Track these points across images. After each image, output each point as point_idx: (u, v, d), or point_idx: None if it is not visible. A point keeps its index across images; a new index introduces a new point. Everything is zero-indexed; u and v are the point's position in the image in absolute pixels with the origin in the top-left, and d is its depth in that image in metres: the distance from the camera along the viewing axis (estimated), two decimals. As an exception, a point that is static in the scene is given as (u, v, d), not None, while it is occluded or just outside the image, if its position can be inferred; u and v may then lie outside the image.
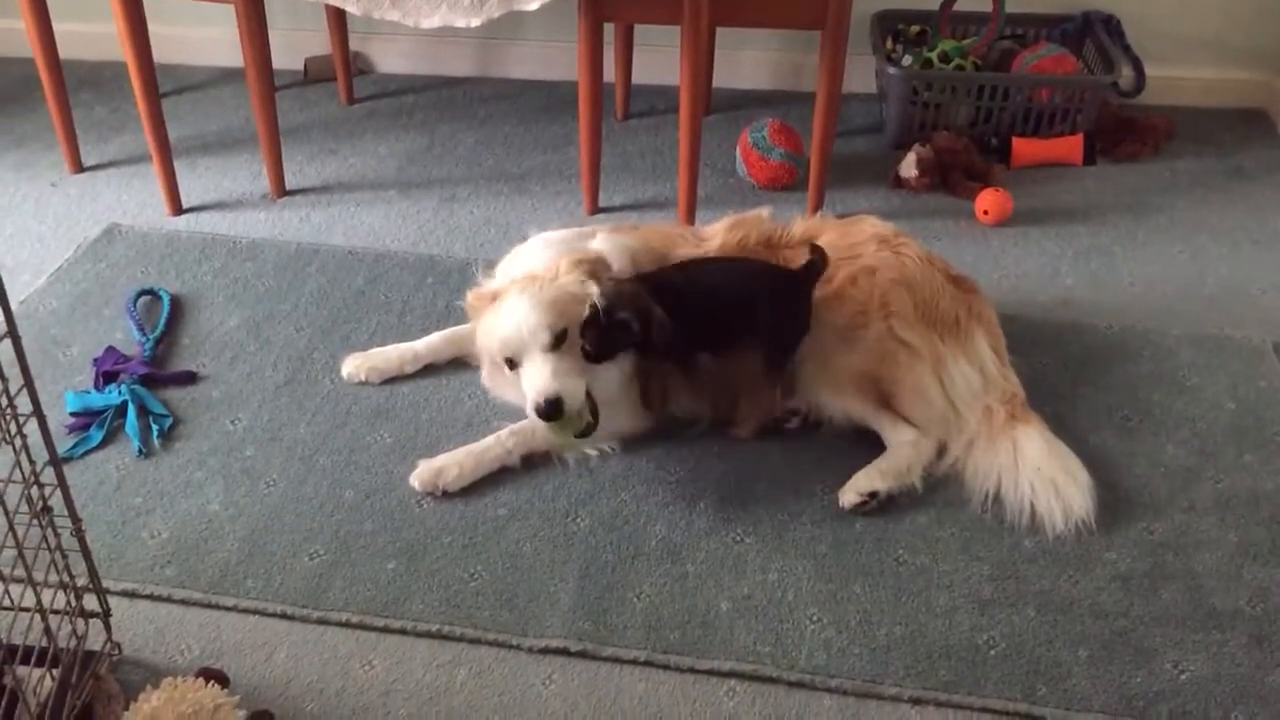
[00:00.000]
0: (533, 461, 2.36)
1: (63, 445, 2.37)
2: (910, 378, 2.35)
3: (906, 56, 3.59)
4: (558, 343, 2.20)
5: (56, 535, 1.76)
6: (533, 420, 2.24)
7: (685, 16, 2.81)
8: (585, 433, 2.24)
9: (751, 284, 2.34)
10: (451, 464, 2.31)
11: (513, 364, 2.25)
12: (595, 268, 2.30)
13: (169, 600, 2.09)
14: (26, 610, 1.67)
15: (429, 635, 2.03)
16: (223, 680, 1.83)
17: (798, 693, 1.94)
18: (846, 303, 2.39)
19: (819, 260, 2.34)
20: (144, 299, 2.83)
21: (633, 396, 2.39)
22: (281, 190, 3.34)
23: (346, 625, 2.04)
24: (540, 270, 2.30)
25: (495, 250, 2.97)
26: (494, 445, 2.34)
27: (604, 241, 2.40)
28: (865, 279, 2.40)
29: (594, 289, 2.23)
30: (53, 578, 1.77)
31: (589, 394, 2.23)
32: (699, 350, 2.35)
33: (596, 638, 2.01)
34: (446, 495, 2.28)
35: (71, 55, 3.45)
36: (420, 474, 2.30)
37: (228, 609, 2.07)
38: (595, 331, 2.20)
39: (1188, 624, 2.05)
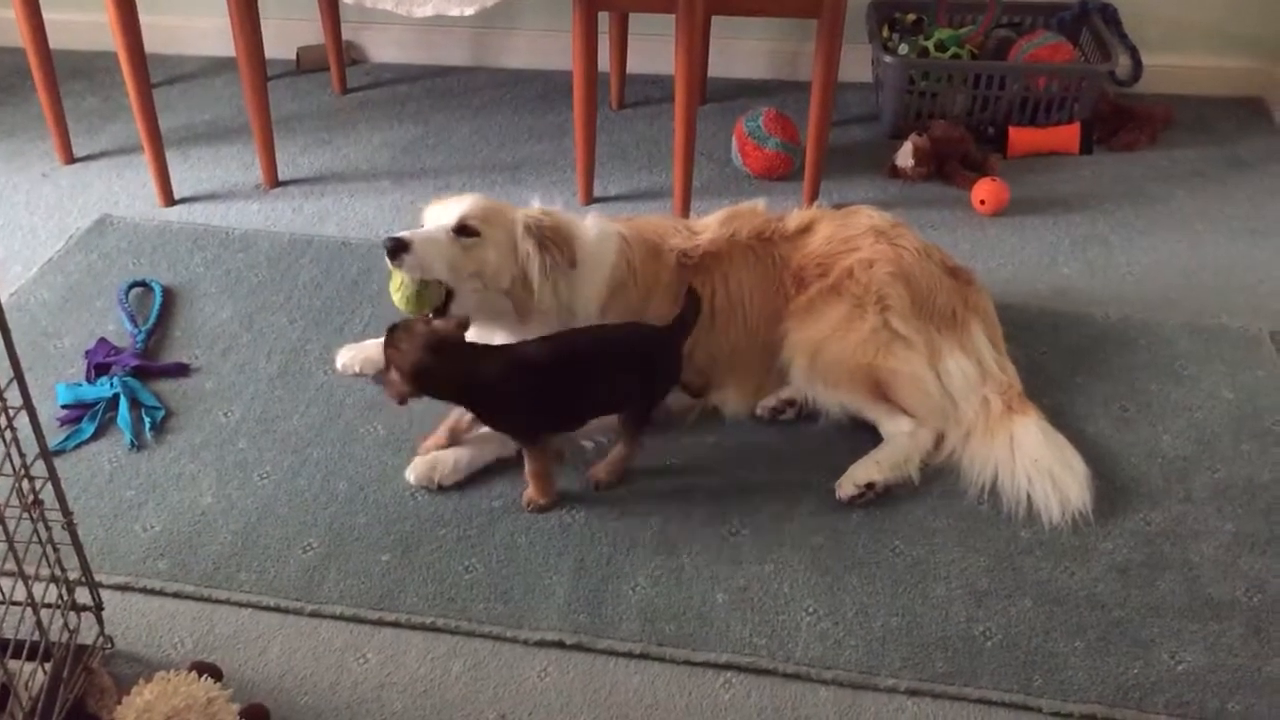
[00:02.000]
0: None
1: (54, 438, 2.35)
2: (907, 369, 2.34)
3: (903, 45, 3.57)
4: (463, 232, 2.23)
5: (48, 528, 1.75)
6: None
7: (680, 5, 2.80)
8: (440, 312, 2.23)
9: (620, 351, 2.22)
10: (447, 458, 2.29)
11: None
12: (552, 235, 2.29)
13: (162, 594, 2.08)
14: (18, 604, 1.66)
15: (423, 628, 2.02)
16: (216, 674, 1.82)
17: (794, 684, 1.93)
18: (843, 295, 2.38)
19: (691, 312, 2.24)
20: (136, 290, 2.82)
21: None
22: (274, 181, 3.32)
23: (340, 618, 2.03)
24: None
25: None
26: (489, 437, 2.33)
27: (594, 224, 2.39)
28: (862, 272, 2.38)
29: (530, 249, 2.26)
30: (44, 571, 1.76)
31: (446, 300, 2.24)
32: (555, 424, 2.24)
33: (592, 630, 2.01)
34: (442, 489, 2.27)
35: (62, 45, 3.43)
36: (416, 468, 2.29)
37: (221, 602, 2.06)
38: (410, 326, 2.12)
39: (1184, 614, 2.04)
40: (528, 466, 2.23)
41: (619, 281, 2.36)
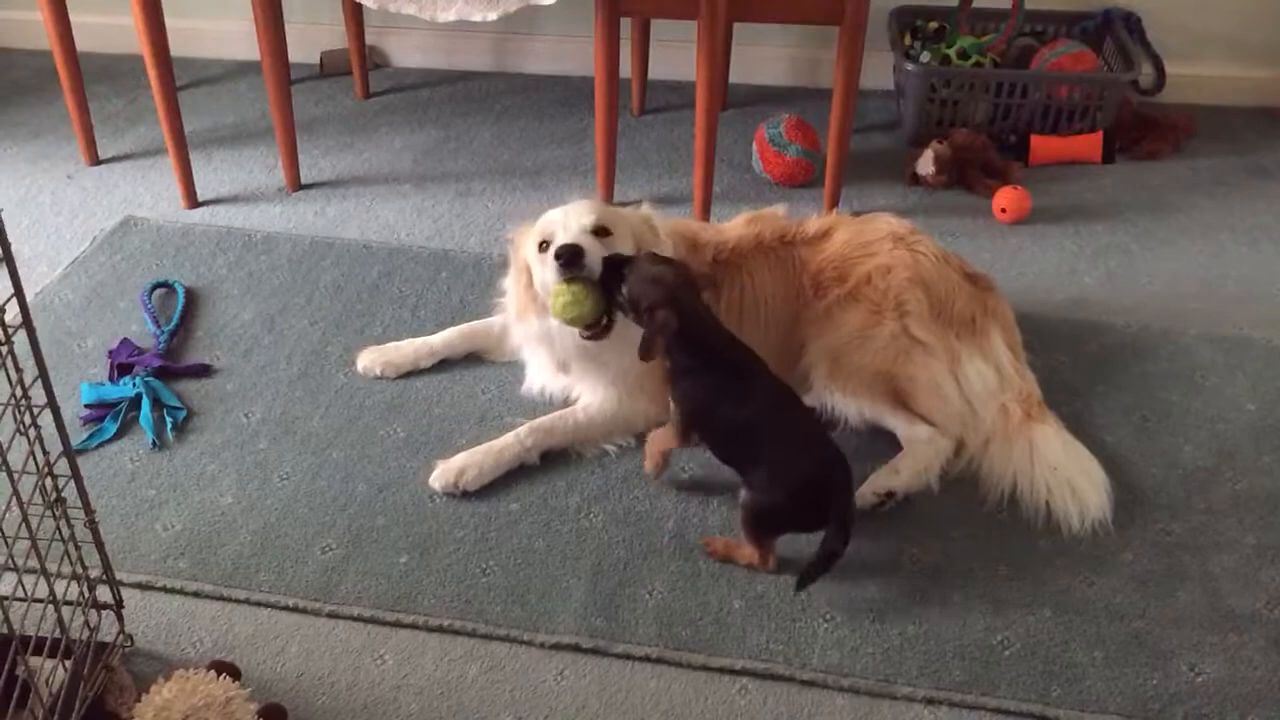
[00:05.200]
0: (549, 457, 2.36)
1: (77, 437, 2.37)
2: (926, 376, 2.33)
3: (924, 53, 3.57)
4: (600, 233, 2.21)
5: (70, 526, 1.76)
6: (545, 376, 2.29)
7: (702, 11, 2.80)
8: (595, 331, 2.20)
9: (803, 445, 2.09)
10: (471, 464, 2.30)
11: (545, 245, 2.23)
12: (650, 233, 2.32)
13: (181, 593, 2.09)
14: (40, 601, 1.67)
15: (440, 630, 2.02)
16: (234, 673, 1.83)
17: (810, 691, 1.93)
18: (861, 301, 2.38)
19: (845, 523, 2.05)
20: (159, 291, 2.84)
21: (654, 382, 2.39)
22: (296, 184, 3.34)
23: (358, 619, 2.04)
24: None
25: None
26: (513, 443, 2.33)
27: (649, 211, 2.41)
28: (880, 278, 2.38)
29: (663, 240, 2.26)
30: (66, 569, 1.77)
31: (609, 304, 2.18)
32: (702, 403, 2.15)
33: (608, 634, 2.01)
34: (466, 495, 2.28)
35: (88, 48, 3.45)
36: (441, 475, 2.29)
37: (240, 602, 2.07)
38: (610, 269, 2.13)
39: (1204, 626, 2.03)
40: (655, 438, 2.25)
41: None
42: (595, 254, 2.17)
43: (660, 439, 2.25)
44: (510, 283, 2.46)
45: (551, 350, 2.39)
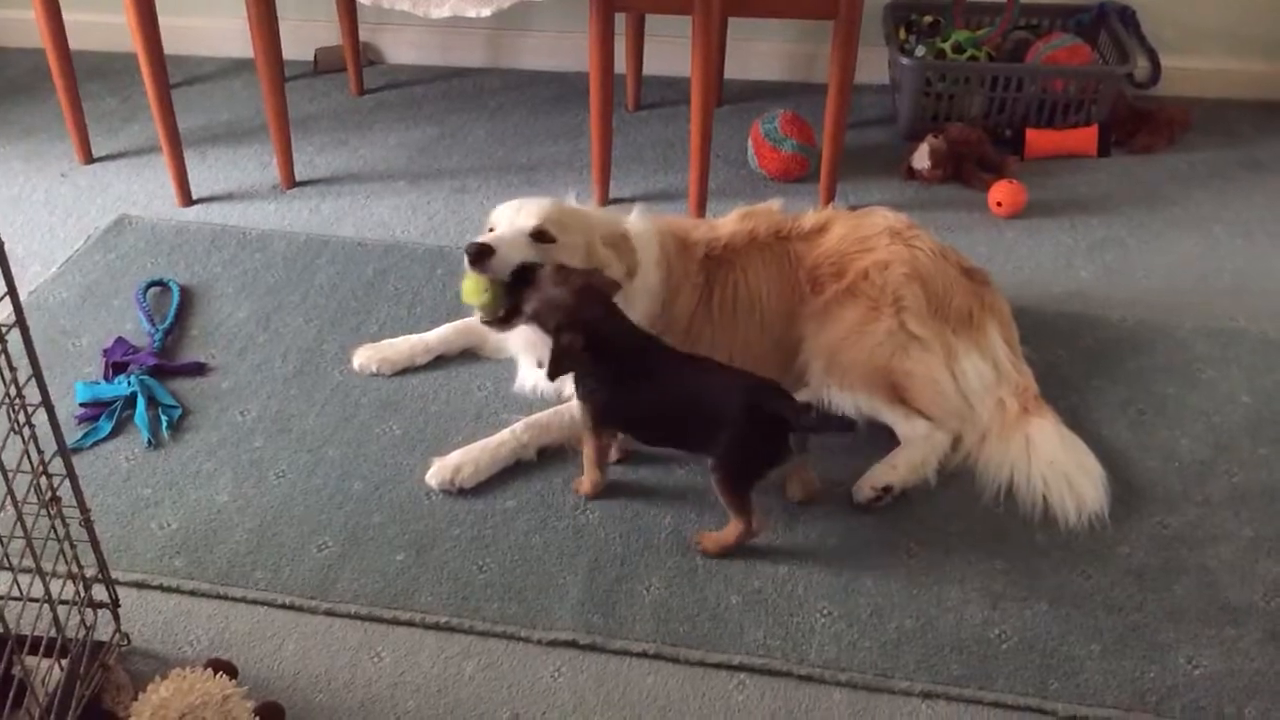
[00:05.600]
0: (545, 454, 2.35)
1: (72, 436, 2.37)
2: (923, 371, 2.33)
3: (919, 47, 3.57)
4: (540, 238, 2.20)
5: (65, 525, 1.76)
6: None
7: (696, 6, 2.80)
8: (494, 322, 2.21)
9: (711, 396, 2.10)
10: (467, 461, 2.29)
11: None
12: (624, 245, 2.30)
13: (178, 591, 2.08)
14: (35, 600, 1.67)
15: (437, 627, 2.02)
16: (231, 671, 1.82)
17: (808, 686, 1.93)
18: (858, 297, 2.37)
19: (829, 425, 2.20)
20: (153, 290, 2.83)
21: None
22: (291, 181, 3.33)
23: (355, 617, 2.04)
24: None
25: (505, 241, 2.97)
26: (509, 440, 2.33)
27: (639, 219, 2.40)
28: (877, 273, 2.38)
29: (636, 257, 2.27)
30: (61, 568, 1.77)
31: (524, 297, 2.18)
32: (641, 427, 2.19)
33: (605, 630, 2.01)
34: (463, 492, 2.27)
35: (81, 46, 3.45)
36: (437, 472, 2.28)
37: (236, 600, 2.07)
38: (517, 280, 2.14)
39: (1201, 619, 2.03)
40: (584, 450, 2.25)
41: (662, 276, 2.37)
42: (510, 257, 2.16)
43: (586, 446, 2.24)
44: None
45: (530, 348, 2.38)
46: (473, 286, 2.19)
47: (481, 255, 2.15)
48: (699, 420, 2.07)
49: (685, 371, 2.13)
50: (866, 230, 2.46)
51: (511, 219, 2.25)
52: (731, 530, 2.12)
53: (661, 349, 2.15)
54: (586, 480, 2.26)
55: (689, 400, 2.09)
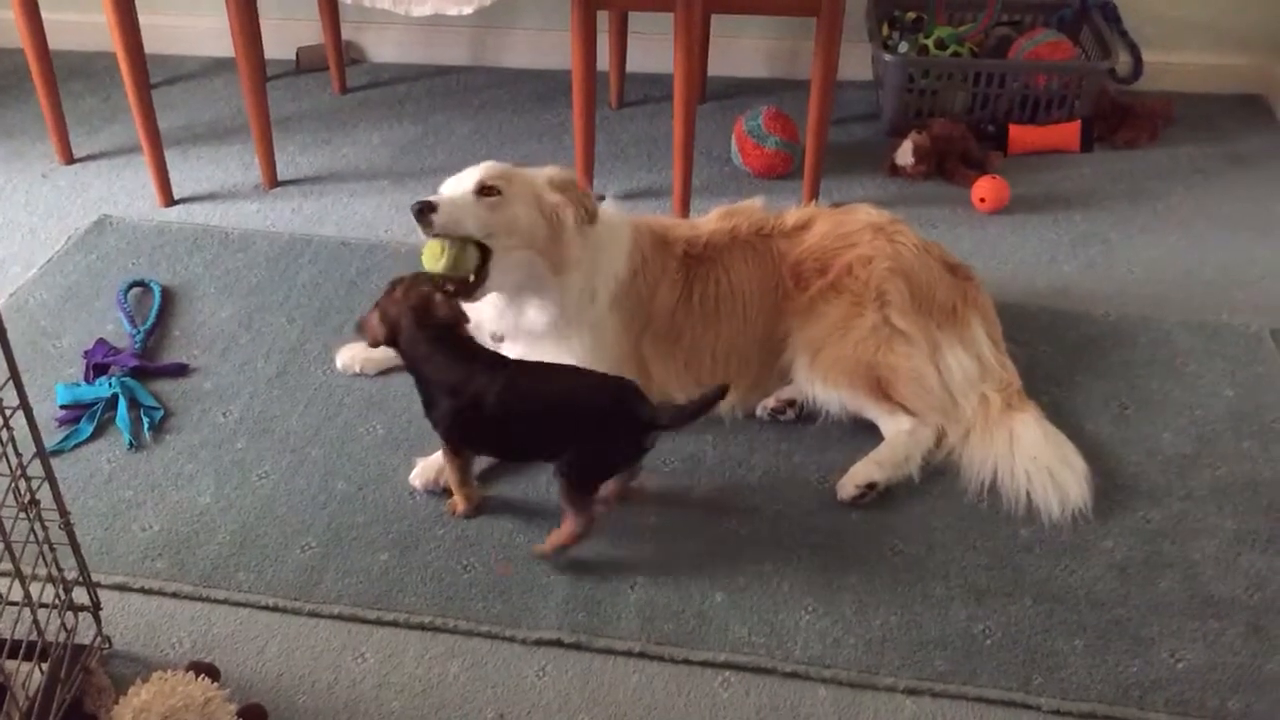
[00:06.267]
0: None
1: (53, 438, 2.35)
2: (907, 365, 2.34)
3: (903, 43, 3.57)
4: (484, 192, 2.20)
5: (44, 529, 1.75)
6: None
7: (679, 3, 2.79)
8: (458, 287, 2.18)
9: (577, 409, 2.08)
10: None
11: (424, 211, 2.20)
12: (573, 187, 2.29)
13: (160, 593, 2.07)
14: (15, 604, 1.65)
15: (422, 627, 2.02)
16: (213, 674, 1.81)
17: (792, 683, 1.93)
18: (842, 293, 2.37)
19: (704, 403, 2.05)
20: (135, 290, 2.82)
21: (627, 374, 2.38)
22: (273, 181, 3.32)
23: (339, 618, 2.03)
24: None
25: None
26: None
27: (610, 208, 2.40)
28: (861, 268, 2.38)
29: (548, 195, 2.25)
30: (41, 571, 1.76)
31: (483, 261, 2.19)
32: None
33: (590, 629, 2.00)
34: (446, 492, 2.27)
35: (61, 45, 3.43)
36: (421, 472, 2.28)
37: (219, 602, 2.06)
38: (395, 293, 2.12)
39: (1185, 613, 2.04)
40: (449, 475, 2.21)
41: (633, 268, 2.36)
42: (455, 214, 2.15)
43: (447, 468, 2.21)
44: None
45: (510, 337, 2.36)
46: (431, 253, 2.16)
47: (425, 211, 2.13)
48: (555, 427, 2.05)
49: (536, 381, 2.09)
50: (849, 226, 2.46)
51: (454, 185, 2.25)
52: (566, 531, 2.09)
53: (502, 365, 2.10)
54: (458, 500, 2.22)
55: (543, 409, 2.06)
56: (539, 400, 2.06)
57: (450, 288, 2.17)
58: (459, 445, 2.15)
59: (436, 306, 2.08)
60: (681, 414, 2.04)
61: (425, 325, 2.07)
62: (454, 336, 2.09)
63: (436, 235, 2.15)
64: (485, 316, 2.33)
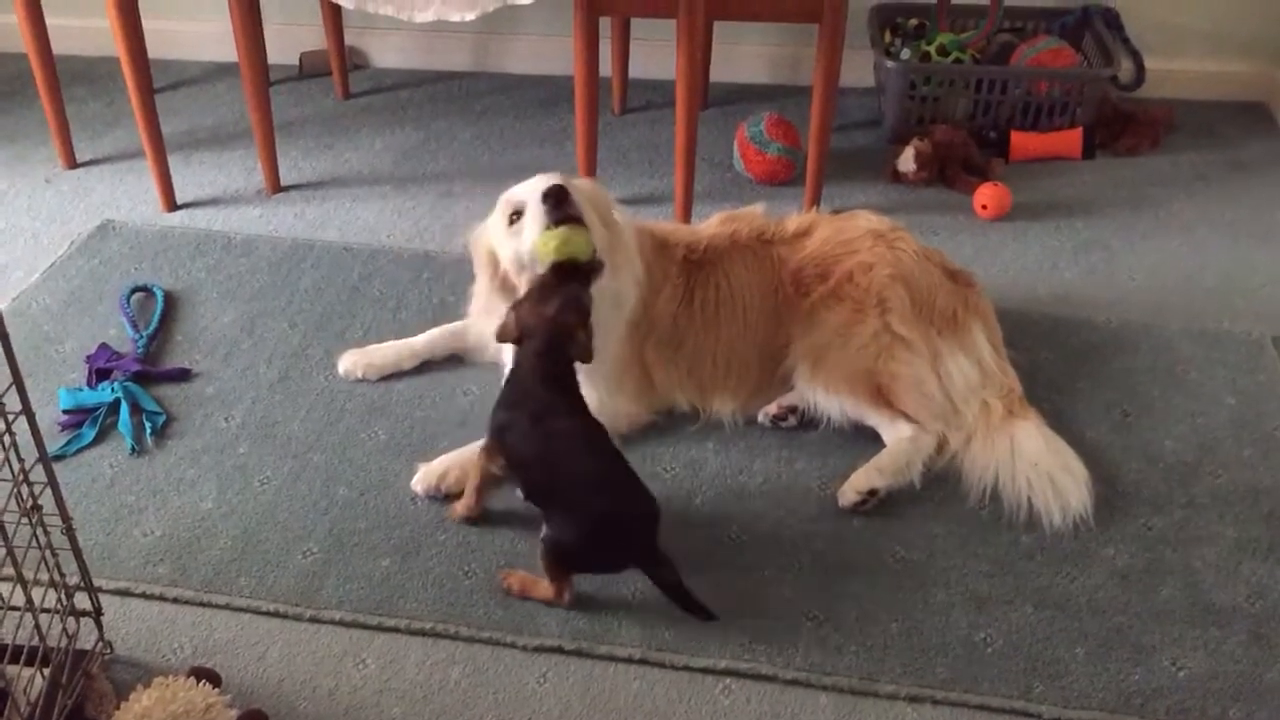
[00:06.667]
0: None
1: (55, 443, 2.35)
2: (908, 372, 2.34)
3: (904, 50, 3.57)
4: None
5: (46, 534, 1.75)
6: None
7: (681, 9, 2.79)
8: (590, 269, 2.13)
9: (607, 503, 2.02)
10: (453, 466, 2.28)
11: (517, 216, 2.19)
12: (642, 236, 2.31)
13: (161, 599, 2.07)
14: (17, 609, 1.66)
15: (423, 634, 2.02)
16: (214, 679, 1.82)
17: (794, 690, 1.93)
18: (843, 300, 2.38)
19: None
20: (137, 295, 2.82)
21: (633, 381, 2.38)
22: (276, 186, 3.32)
23: (340, 624, 2.03)
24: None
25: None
26: None
27: (620, 215, 2.40)
28: (861, 275, 2.38)
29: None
30: (43, 576, 1.76)
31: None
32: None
33: (591, 636, 2.00)
34: (448, 497, 2.27)
35: (65, 50, 3.43)
36: (423, 478, 2.28)
37: (220, 607, 2.06)
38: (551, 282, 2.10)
39: (1186, 621, 2.04)
40: (470, 476, 2.19)
41: (642, 274, 2.37)
42: (582, 200, 2.16)
43: (472, 470, 2.19)
44: (477, 285, 2.42)
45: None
46: (563, 238, 2.09)
47: (564, 193, 2.11)
48: (556, 496, 2.03)
49: (571, 448, 2.03)
50: (850, 233, 2.46)
51: (537, 185, 2.20)
52: (540, 589, 2.05)
53: (568, 416, 2.06)
54: (462, 503, 2.20)
55: (555, 475, 2.03)
56: (558, 465, 2.03)
57: (599, 262, 2.14)
58: (495, 453, 2.12)
59: (574, 342, 2.05)
60: (664, 577, 1.99)
61: (551, 350, 2.05)
62: (563, 368, 2.07)
63: (560, 222, 2.11)
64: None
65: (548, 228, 2.12)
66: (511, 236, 2.22)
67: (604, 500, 2.00)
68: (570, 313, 2.05)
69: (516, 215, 2.21)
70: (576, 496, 2.01)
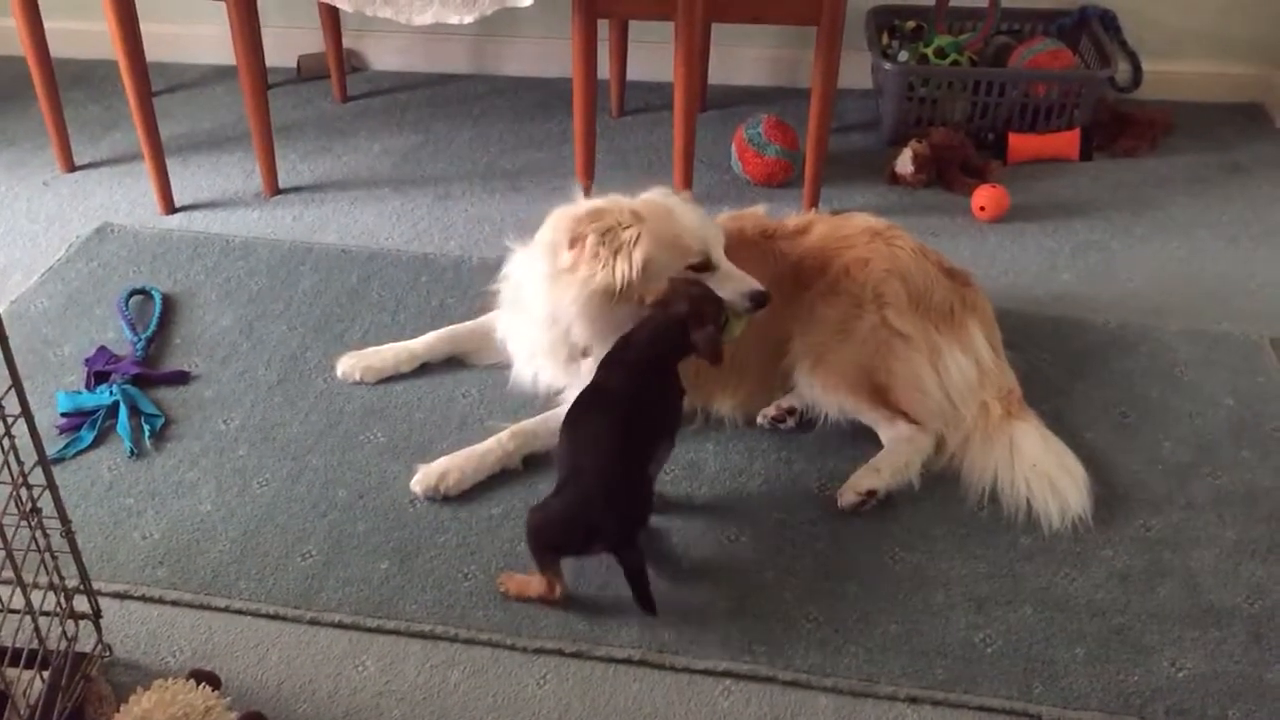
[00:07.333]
0: (531, 461, 2.35)
1: (54, 446, 2.35)
2: (906, 369, 2.34)
3: (902, 52, 3.58)
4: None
5: (46, 536, 1.75)
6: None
7: (679, 12, 2.80)
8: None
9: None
10: (453, 468, 2.29)
11: (703, 267, 2.21)
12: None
13: (160, 601, 2.07)
14: (16, 612, 1.65)
15: (422, 636, 2.02)
16: (214, 682, 1.81)
17: (793, 692, 1.93)
18: (840, 295, 2.38)
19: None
20: (136, 298, 2.82)
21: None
22: (274, 188, 3.32)
23: (339, 626, 2.03)
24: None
25: (489, 248, 2.98)
26: (495, 448, 2.32)
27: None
28: (858, 270, 2.39)
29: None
30: (42, 579, 1.76)
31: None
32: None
33: (591, 637, 2.00)
34: (447, 499, 2.27)
35: (63, 53, 3.43)
36: (422, 479, 2.28)
37: (220, 610, 2.06)
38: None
39: (1185, 621, 2.04)
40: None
41: None
42: None
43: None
44: (529, 267, 2.33)
45: (565, 337, 2.29)
46: (745, 326, 2.23)
47: (768, 299, 2.22)
48: (564, 465, 2.06)
49: (591, 433, 2.05)
50: (847, 230, 2.47)
51: (718, 239, 2.27)
52: (533, 586, 2.05)
53: (613, 399, 2.07)
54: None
55: (567, 447, 2.06)
56: (575, 443, 2.05)
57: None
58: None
59: (699, 330, 2.08)
60: (632, 561, 2.00)
61: (672, 328, 2.08)
62: (667, 352, 2.10)
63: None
64: (576, 332, 2.27)
65: (738, 315, 2.20)
66: (665, 269, 2.19)
67: (598, 494, 1.99)
68: (713, 305, 2.12)
69: (703, 265, 2.22)
70: (565, 471, 2.03)
